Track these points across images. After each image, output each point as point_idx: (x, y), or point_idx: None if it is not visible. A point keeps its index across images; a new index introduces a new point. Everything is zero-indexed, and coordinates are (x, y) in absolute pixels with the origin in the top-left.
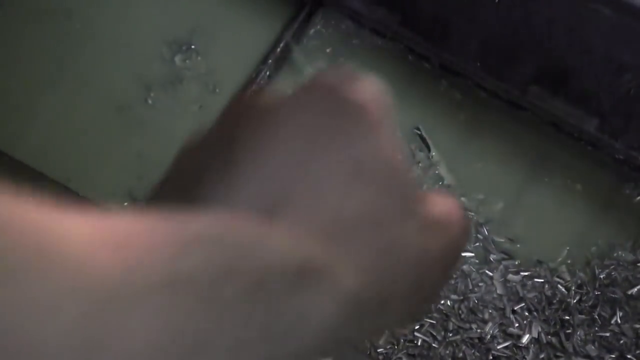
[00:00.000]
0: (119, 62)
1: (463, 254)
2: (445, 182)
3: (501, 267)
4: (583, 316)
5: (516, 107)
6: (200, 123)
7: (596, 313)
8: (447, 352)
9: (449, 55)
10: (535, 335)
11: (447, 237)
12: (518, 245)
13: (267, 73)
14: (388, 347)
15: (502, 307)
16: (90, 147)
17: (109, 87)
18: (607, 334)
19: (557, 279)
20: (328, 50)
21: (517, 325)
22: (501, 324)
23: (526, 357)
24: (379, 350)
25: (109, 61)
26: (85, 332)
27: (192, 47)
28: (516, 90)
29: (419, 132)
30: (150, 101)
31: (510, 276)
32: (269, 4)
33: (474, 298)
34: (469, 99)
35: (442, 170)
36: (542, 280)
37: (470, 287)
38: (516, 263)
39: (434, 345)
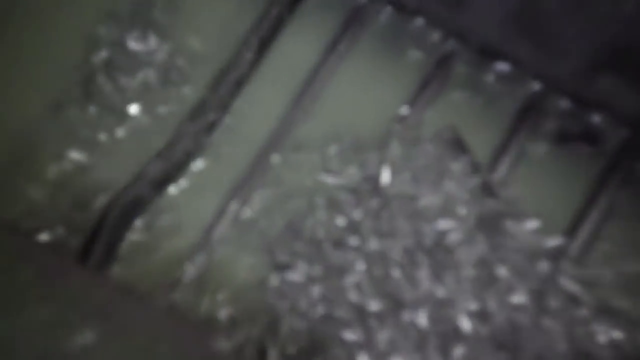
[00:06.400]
0: (56, 47)
1: (511, 298)
2: (493, 196)
3: (565, 316)
4: None
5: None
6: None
7: None
8: None
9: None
10: None
11: None
12: (589, 289)
13: (250, 58)
14: None
15: None
16: (20, 156)
17: (43, 81)
18: None
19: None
20: (329, 27)
21: None
22: None
23: None
24: None
25: (42, 46)
26: None
27: (150, 25)
28: (582, 82)
29: (452, 135)
30: (92, 97)
31: (577, 328)
32: None
33: (529, 355)
34: (517, 92)
35: (486, 180)
36: (621, 335)
37: (524, 341)
38: (585, 312)
39: None
